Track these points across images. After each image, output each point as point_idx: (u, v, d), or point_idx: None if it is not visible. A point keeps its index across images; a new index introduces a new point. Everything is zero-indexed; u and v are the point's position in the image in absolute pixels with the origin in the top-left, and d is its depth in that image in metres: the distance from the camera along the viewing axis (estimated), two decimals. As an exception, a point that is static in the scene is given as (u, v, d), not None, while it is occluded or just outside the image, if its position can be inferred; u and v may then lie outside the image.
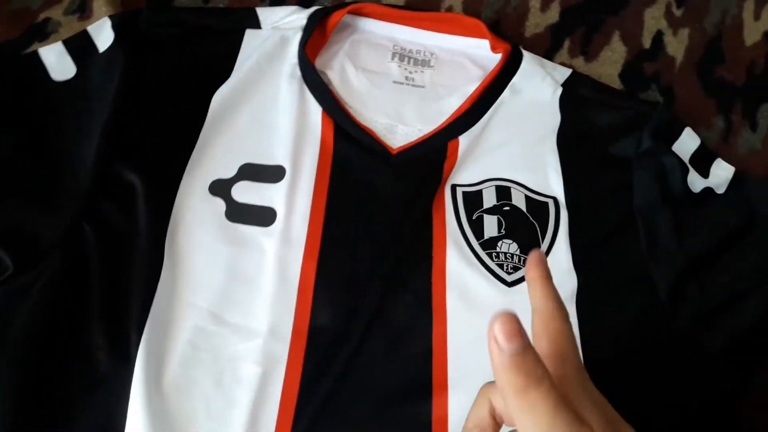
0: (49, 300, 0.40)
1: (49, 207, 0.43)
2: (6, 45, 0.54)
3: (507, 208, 0.49)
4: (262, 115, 0.51)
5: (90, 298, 0.41)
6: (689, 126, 0.53)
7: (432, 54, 0.57)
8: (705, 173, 0.51)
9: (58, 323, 0.40)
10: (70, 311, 0.41)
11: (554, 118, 0.54)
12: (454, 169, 0.51)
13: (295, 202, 0.47)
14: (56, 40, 0.50)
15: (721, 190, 0.51)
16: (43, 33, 0.55)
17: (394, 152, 0.51)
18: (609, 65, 0.60)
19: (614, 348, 0.44)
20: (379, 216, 0.48)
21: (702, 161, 0.52)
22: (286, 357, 0.42)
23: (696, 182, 0.50)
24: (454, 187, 0.50)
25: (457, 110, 0.53)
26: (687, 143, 0.52)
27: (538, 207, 0.49)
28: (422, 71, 0.56)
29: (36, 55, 0.49)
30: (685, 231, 0.48)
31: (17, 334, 0.39)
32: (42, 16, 0.56)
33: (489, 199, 0.50)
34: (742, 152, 0.56)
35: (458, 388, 0.42)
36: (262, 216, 0.47)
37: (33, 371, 0.39)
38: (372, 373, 0.42)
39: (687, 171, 0.51)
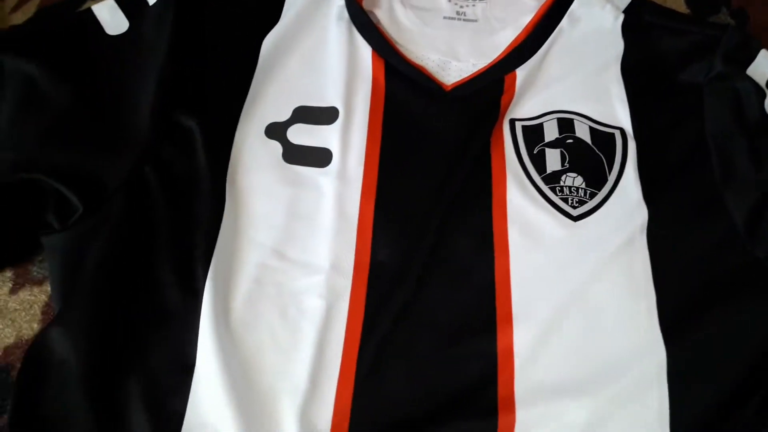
0: (117, 239, 0.42)
1: (112, 152, 0.44)
2: (60, 5, 0.55)
3: (570, 141, 0.47)
4: (313, 58, 0.50)
5: (156, 237, 0.42)
6: (765, 48, 0.49)
7: (483, -14, 0.55)
8: None
9: (128, 261, 0.42)
10: (138, 250, 0.42)
11: (617, 46, 0.51)
12: (512, 104, 0.49)
13: (349, 142, 0.47)
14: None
15: None
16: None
17: (449, 89, 0.49)
18: (674, -11, 0.56)
19: (688, 281, 0.43)
20: (435, 153, 0.47)
21: None
22: (348, 291, 0.42)
23: None
24: (512, 122, 0.48)
25: (512, 42, 0.51)
26: (763, 66, 0.49)
27: (603, 139, 0.47)
28: (474, 4, 0.54)
29: (90, 12, 0.50)
30: (764, 158, 0.45)
31: (90, 272, 0.41)
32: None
33: (551, 133, 0.48)
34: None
35: (523, 321, 0.41)
36: (318, 157, 0.46)
37: (106, 308, 0.40)
38: (435, 307, 0.42)
39: (764, 96, 0.47)
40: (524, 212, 0.45)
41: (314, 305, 0.41)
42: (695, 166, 0.46)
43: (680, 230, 0.44)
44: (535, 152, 0.47)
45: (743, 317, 0.41)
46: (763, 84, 0.48)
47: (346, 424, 0.39)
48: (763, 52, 0.49)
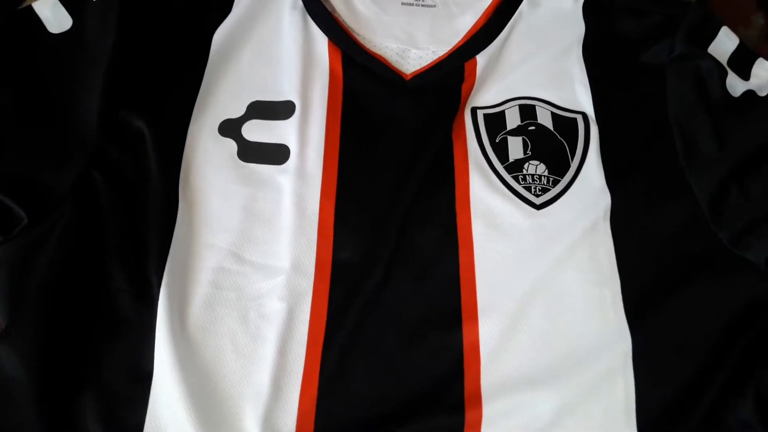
0: (65, 249, 0.40)
1: (57, 157, 0.42)
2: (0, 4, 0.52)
3: (532, 127, 0.47)
4: (266, 50, 0.49)
5: (107, 245, 0.41)
6: (725, 25, 0.49)
7: (441, -29, 0.53)
8: (746, 75, 0.48)
9: (77, 271, 0.40)
10: (88, 259, 0.41)
11: (578, 29, 0.50)
12: (473, 91, 0.48)
13: (307, 137, 0.45)
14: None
15: (764, 92, 0.47)
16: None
17: (408, 78, 0.48)
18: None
19: (652, 265, 0.42)
20: (397, 145, 0.46)
21: (741, 62, 0.48)
22: (311, 292, 0.41)
23: (736, 85, 0.47)
24: (474, 110, 0.47)
25: (472, 28, 0.50)
26: (724, 44, 0.48)
27: (566, 124, 0.47)
28: (432, -11, 0.53)
29: (30, 10, 0.47)
30: (727, 137, 0.45)
31: (37, 284, 0.39)
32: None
33: (512, 120, 0.47)
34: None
35: (489, 314, 0.41)
36: (276, 153, 0.45)
37: (55, 320, 0.39)
38: (399, 303, 0.41)
39: (726, 74, 0.47)
40: (487, 203, 0.44)
41: (275, 308, 0.40)
42: (658, 149, 0.46)
43: (644, 215, 0.44)
44: (497, 141, 0.46)
45: (707, 299, 0.41)
46: (724, 62, 0.48)
47: (311, 428, 0.38)
48: (723, 29, 0.49)
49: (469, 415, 0.38)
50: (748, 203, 0.43)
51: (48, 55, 0.46)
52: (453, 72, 0.48)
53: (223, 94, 0.47)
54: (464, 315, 0.41)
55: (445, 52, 0.49)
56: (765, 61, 0.48)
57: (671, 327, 0.40)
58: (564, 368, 0.39)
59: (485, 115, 0.47)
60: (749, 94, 0.47)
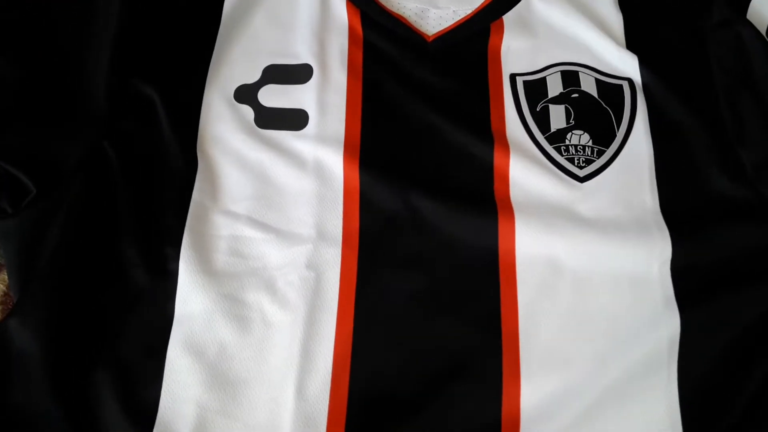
0: (77, 223, 0.38)
1: (66, 129, 0.41)
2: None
3: (576, 95, 0.44)
4: (281, 11, 0.47)
5: (120, 218, 0.39)
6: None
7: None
8: None
9: (90, 245, 0.38)
10: (101, 232, 0.39)
11: None
12: (504, 55, 0.45)
13: (327, 101, 0.43)
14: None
15: None
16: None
17: (430, 39, 0.46)
18: None
19: (701, 232, 0.40)
20: (423, 110, 0.43)
21: None
22: (339, 259, 0.39)
23: None
24: (513, 77, 0.45)
25: (497, -14, 0.48)
26: (761, 6, 0.46)
27: (611, 91, 0.44)
28: (452, -54, 0.50)
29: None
30: None
31: (48, 258, 0.37)
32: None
33: (555, 87, 0.44)
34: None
35: (527, 284, 0.39)
36: (293, 119, 0.43)
37: (68, 295, 0.37)
38: (432, 273, 0.39)
39: (766, 44, 0.44)
40: (528, 176, 0.41)
41: (303, 276, 0.38)
42: (707, 119, 0.43)
43: (692, 178, 0.41)
44: (538, 109, 0.44)
45: (754, 294, 0.38)
46: (763, 30, 0.45)
47: (344, 396, 0.36)
48: None
49: (506, 382, 0.36)
50: None
51: (53, 20, 0.43)
52: (478, 34, 0.46)
53: (237, 59, 0.45)
54: (502, 285, 0.39)
55: (467, 12, 0.47)
56: None
57: (721, 313, 0.38)
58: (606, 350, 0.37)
59: (525, 83, 0.45)
60: None
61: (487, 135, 0.43)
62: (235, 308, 0.38)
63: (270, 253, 0.39)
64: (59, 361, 0.36)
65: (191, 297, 0.37)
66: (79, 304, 0.37)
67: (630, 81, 0.45)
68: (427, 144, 0.43)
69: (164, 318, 0.37)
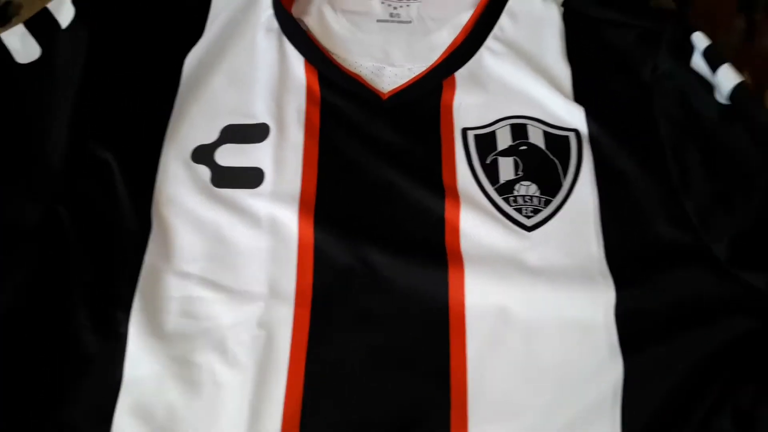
0: (29, 284, 0.39)
1: (23, 192, 0.41)
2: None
3: (524, 147, 0.45)
4: (240, 73, 0.48)
5: (70, 281, 0.39)
6: (706, 28, 0.47)
7: (417, -15, 0.52)
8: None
9: (41, 307, 0.39)
10: (52, 295, 0.39)
11: (560, 41, 0.49)
12: (455, 111, 0.47)
13: (283, 159, 0.44)
14: (19, 23, 0.48)
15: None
16: (5, 17, 0.54)
17: (385, 97, 0.47)
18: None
19: (648, 298, 0.40)
20: (378, 166, 0.44)
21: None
22: (291, 317, 0.39)
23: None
24: (465, 131, 0.46)
25: (450, 44, 0.49)
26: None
27: (558, 142, 0.45)
28: (408, 5, 0.52)
29: (-1, 41, 0.46)
30: (719, 168, 0.43)
31: None
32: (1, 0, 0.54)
33: (504, 140, 0.46)
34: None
35: (476, 335, 0.39)
36: (249, 177, 0.44)
37: (17, 356, 0.37)
38: (384, 329, 0.39)
39: (712, 89, 0.46)
40: (478, 226, 0.42)
41: (254, 335, 0.39)
42: (653, 168, 0.44)
43: (639, 239, 0.42)
44: (488, 162, 0.45)
45: (698, 335, 0.39)
46: (708, 74, 0.46)
47: None
48: (696, 35, 0.46)
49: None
50: (733, 218, 0.42)
51: (16, 86, 0.45)
52: (431, 90, 0.47)
53: (195, 120, 0.46)
54: (452, 342, 0.39)
55: (422, 69, 0.48)
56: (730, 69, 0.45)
57: (663, 357, 0.39)
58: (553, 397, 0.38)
59: (476, 136, 0.46)
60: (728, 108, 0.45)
61: (438, 188, 0.43)
62: (185, 370, 0.38)
63: (222, 312, 0.39)
64: (6, 423, 0.36)
65: (140, 361, 0.37)
66: (28, 369, 0.37)
67: (577, 132, 0.46)
68: (381, 199, 0.43)
69: (113, 382, 0.37)
